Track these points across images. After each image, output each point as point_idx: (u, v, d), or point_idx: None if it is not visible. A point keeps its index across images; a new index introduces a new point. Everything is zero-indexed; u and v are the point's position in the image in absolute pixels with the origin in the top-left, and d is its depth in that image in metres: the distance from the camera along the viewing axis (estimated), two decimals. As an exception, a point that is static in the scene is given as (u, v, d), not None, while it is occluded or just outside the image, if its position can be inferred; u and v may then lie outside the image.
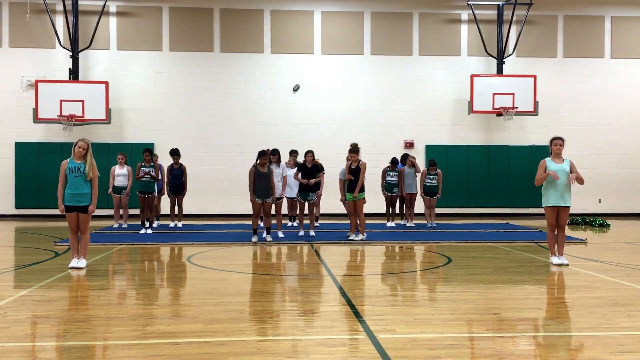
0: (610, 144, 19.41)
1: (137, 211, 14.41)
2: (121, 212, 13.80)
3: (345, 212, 12.10)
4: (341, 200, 11.95)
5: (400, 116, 18.87)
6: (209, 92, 18.50)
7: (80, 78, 17.84)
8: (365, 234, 11.52)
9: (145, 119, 18.27)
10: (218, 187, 18.30)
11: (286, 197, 12.93)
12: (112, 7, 18.20)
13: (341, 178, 11.85)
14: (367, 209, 12.01)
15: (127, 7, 18.28)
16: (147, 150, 12.83)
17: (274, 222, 12.07)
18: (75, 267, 8.02)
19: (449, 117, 19.01)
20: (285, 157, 13.27)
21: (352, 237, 11.45)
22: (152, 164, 12.83)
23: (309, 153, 12.26)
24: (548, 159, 8.53)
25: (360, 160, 11.30)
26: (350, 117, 18.71)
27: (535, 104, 18.22)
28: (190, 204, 16.56)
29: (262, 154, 11.14)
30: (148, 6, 18.32)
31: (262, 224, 12.41)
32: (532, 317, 5.53)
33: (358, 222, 11.47)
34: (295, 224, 13.81)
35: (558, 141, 8.51)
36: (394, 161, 14.28)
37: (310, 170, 12.14)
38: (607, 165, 19.38)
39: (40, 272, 7.89)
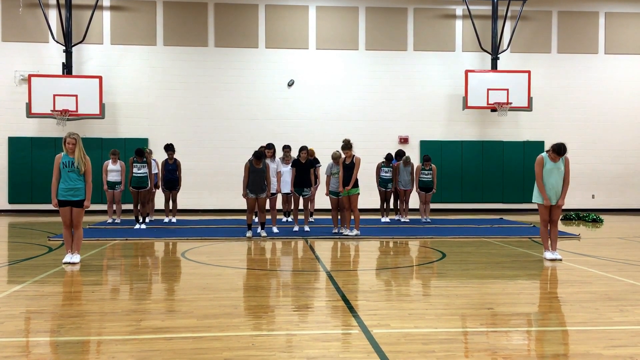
0: (604, 139, 19.48)
1: (130, 206, 14.37)
2: (114, 207, 13.78)
3: (329, 207, 12.13)
4: (326, 195, 11.97)
5: (395, 111, 18.87)
6: (204, 87, 18.45)
7: (74, 72, 17.77)
8: (359, 229, 11.55)
9: (140, 114, 18.20)
10: (212, 182, 18.27)
11: (281, 192, 12.91)
12: (106, 1, 18.10)
13: (327, 174, 11.87)
14: (361, 204, 12.02)
15: (121, 1, 18.18)
16: (137, 153, 12.76)
17: (268, 217, 12.06)
18: (69, 263, 8.00)
19: (443, 113, 19.03)
20: (279, 153, 13.24)
21: (347, 232, 11.47)
22: (144, 158, 12.80)
23: (304, 150, 12.22)
24: (545, 156, 8.52)
25: (354, 155, 11.32)
26: (345, 112, 18.70)
27: (530, 99, 18.26)
28: (185, 199, 16.55)
29: (257, 157, 11.07)
30: (142, 0, 18.23)
31: (256, 219, 12.42)
32: (526, 312, 5.56)
33: (352, 217, 11.50)
34: (290, 219, 13.80)
35: (557, 157, 8.39)
36: (388, 157, 14.31)
37: (305, 166, 12.12)
38: (600, 161, 19.45)
39: (33, 267, 7.86)
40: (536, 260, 8.69)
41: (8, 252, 9.80)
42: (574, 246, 10.24)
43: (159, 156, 14.97)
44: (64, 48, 17.56)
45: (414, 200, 15.32)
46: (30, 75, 17.11)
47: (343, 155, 11.41)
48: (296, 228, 12.17)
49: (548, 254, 8.60)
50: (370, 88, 18.83)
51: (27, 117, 17.16)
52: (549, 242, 8.66)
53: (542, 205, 8.52)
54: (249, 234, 11.25)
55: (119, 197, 13.69)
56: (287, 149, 13.38)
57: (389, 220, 14.23)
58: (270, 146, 12.40)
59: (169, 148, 13.58)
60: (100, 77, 17.35)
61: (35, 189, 17.62)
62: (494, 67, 18.70)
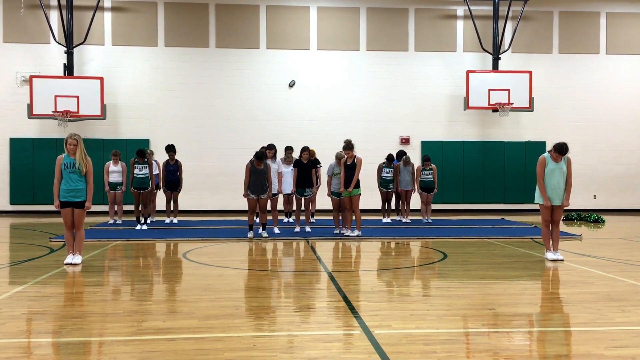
0: (605, 140, 19.47)
1: (131, 207, 14.36)
2: (116, 208, 13.78)
3: (331, 207, 12.16)
4: (328, 195, 11.98)
5: (396, 112, 18.87)
6: (205, 88, 18.46)
7: (75, 74, 17.78)
8: (360, 229, 11.54)
9: (141, 115, 18.21)
10: (214, 183, 18.28)
11: (282, 193, 12.91)
12: (107, 2, 18.12)
13: (328, 174, 11.87)
14: (362, 205, 12.02)
15: (122, 2, 18.20)
16: (139, 154, 12.76)
17: (269, 218, 12.06)
18: (71, 263, 8.00)
19: (444, 113, 19.02)
20: (280, 153, 13.24)
21: (348, 233, 11.47)
22: (145, 160, 12.80)
23: (305, 150, 12.21)
24: (547, 156, 8.51)
25: (355, 156, 11.32)
26: (346, 113, 18.70)
27: (531, 99, 18.25)
28: (186, 200, 16.56)
29: (258, 157, 11.08)
30: (143, 1, 18.25)
31: (257, 220, 12.42)
32: (527, 313, 5.55)
33: (353, 218, 11.50)
34: (291, 220, 13.80)
35: (559, 157, 8.39)
36: (389, 157, 14.31)
37: (307, 167, 12.12)
38: (602, 162, 19.44)
39: (35, 268, 7.87)
40: (538, 260, 8.68)
41: (9, 253, 9.81)
42: (575, 247, 10.24)
43: (160, 157, 14.98)
44: (65, 49, 17.59)
45: (416, 201, 15.30)
46: (31, 77, 17.13)
47: (345, 156, 11.41)
48: (297, 229, 12.17)
49: (550, 255, 8.59)
50: (371, 88, 18.84)
51: (29, 118, 17.18)
52: (551, 242, 8.65)
53: (544, 206, 8.52)
54: (250, 234, 11.25)
55: (120, 198, 13.69)
56: (289, 150, 13.39)
57: (390, 221, 14.23)
58: (271, 147, 12.39)
59: (170, 149, 13.59)
60: (101, 78, 17.36)
61: (37, 190, 17.64)
62: (495, 67, 18.69)
